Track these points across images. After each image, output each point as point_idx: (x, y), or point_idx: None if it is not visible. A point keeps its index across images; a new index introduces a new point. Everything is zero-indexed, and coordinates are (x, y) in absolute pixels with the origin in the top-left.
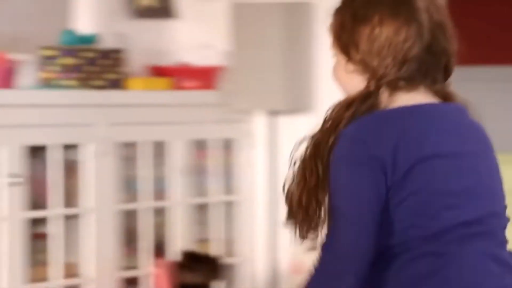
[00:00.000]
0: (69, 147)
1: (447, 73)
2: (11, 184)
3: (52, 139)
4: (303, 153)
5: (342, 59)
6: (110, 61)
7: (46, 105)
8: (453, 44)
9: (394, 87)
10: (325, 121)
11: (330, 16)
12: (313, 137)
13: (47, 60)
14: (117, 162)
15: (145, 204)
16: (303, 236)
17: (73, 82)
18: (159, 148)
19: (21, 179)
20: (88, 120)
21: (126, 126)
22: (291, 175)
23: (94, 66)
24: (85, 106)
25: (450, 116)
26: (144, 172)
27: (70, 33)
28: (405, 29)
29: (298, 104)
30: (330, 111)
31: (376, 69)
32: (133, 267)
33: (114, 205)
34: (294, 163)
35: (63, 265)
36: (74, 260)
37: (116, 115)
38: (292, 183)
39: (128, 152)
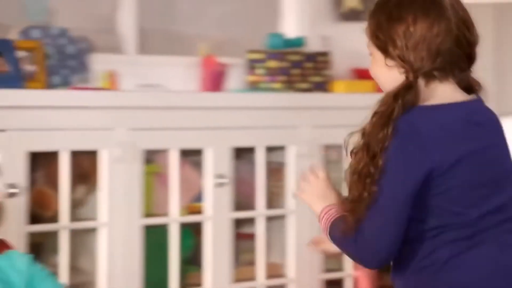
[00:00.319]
0: (274, 149)
1: (470, 62)
2: (218, 185)
3: (258, 141)
4: (356, 145)
5: (380, 56)
6: (316, 64)
7: (253, 108)
8: (476, 36)
9: (429, 77)
10: (374, 114)
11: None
12: (364, 130)
13: (254, 64)
14: (321, 165)
15: None
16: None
17: (278, 85)
18: None
19: (227, 180)
20: (293, 122)
21: (329, 129)
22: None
23: (300, 69)
24: (290, 109)
25: (479, 113)
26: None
27: (277, 36)
28: (436, 25)
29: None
30: (378, 104)
31: (413, 62)
32: (336, 270)
33: None
34: (351, 154)
35: (267, 265)
36: (277, 261)
37: (320, 117)
38: (348, 176)
39: (332, 154)
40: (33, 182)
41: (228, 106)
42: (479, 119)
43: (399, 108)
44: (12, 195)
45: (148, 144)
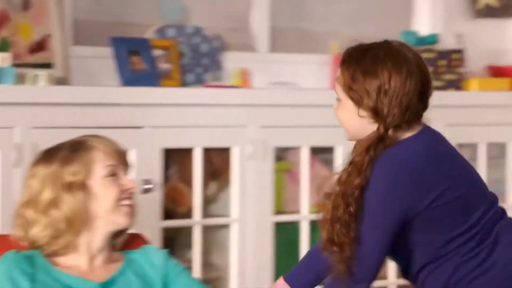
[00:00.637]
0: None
1: (425, 110)
2: None
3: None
4: (332, 191)
5: (351, 106)
6: (449, 61)
7: None
8: (432, 88)
9: (397, 128)
10: (349, 163)
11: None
12: (340, 178)
13: None
14: None
15: None
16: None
17: None
18: (499, 150)
19: None
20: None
21: (463, 127)
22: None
23: (433, 66)
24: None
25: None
26: (483, 174)
27: (410, 34)
28: (408, 82)
29: None
30: (351, 154)
31: (385, 116)
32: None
33: None
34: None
35: None
36: None
37: (453, 116)
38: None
39: (464, 153)
40: (167, 178)
41: None
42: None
43: (368, 161)
44: (147, 190)
45: (279, 142)
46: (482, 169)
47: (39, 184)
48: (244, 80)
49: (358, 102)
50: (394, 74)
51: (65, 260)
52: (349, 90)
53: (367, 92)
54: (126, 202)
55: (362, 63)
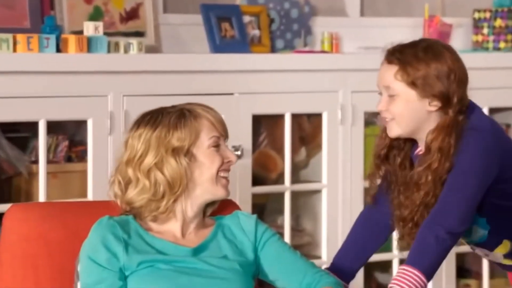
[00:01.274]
0: (500, 110)
1: None
2: None
3: (483, 102)
4: (423, 179)
5: (414, 96)
6: None
7: (478, 68)
8: None
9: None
10: (436, 151)
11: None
12: (429, 165)
13: (480, 23)
14: None
15: None
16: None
17: (505, 44)
18: None
19: None
20: None
21: None
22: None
23: None
24: None
25: None
26: None
27: None
28: (464, 66)
29: None
30: (433, 142)
31: (457, 100)
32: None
33: None
34: (418, 187)
35: None
36: None
37: None
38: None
39: None
40: (257, 144)
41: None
42: None
43: (455, 142)
44: (238, 157)
45: (370, 106)
46: None
47: (144, 146)
48: (334, 45)
49: (427, 91)
50: (455, 59)
51: (158, 226)
52: (415, 81)
53: (437, 78)
54: (226, 174)
55: (421, 55)
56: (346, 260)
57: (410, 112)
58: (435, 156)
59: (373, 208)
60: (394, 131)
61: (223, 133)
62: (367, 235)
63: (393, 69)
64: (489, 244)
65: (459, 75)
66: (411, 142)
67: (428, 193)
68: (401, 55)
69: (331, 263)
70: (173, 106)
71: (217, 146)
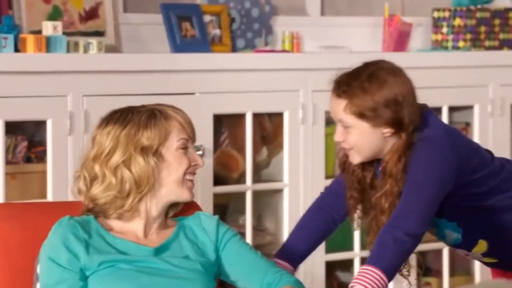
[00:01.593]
0: (459, 109)
1: None
2: None
3: (443, 100)
4: (382, 205)
5: (366, 127)
6: (504, 20)
7: (438, 67)
8: None
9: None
10: (389, 176)
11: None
12: (385, 191)
13: (439, 22)
14: (509, 124)
15: None
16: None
17: (464, 43)
18: None
19: None
20: (480, 81)
21: None
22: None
23: (487, 26)
24: (477, 67)
25: None
26: None
27: None
28: (412, 86)
29: None
30: (388, 165)
31: (408, 123)
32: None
33: None
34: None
35: None
36: None
37: (508, 75)
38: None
39: None
40: (218, 144)
41: (412, 66)
42: None
43: (403, 166)
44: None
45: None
46: None
47: (112, 143)
48: (295, 44)
49: (377, 121)
50: (400, 82)
51: (121, 225)
52: (363, 113)
53: (384, 107)
54: (191, 177)
55: (367, 86)
56: (297, 245)
57: (367, 141)
58: (388, 180)
59: (327, 198)
60: (355, 159)
61: (192, 136)
62: (318, 223)
63: (342, 103)
64: (466, 245)
65: (407, 98)
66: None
67: (384, 213)
68: (347, 88)
69: (282, 247)
70: (143, 106)
71: (185, 148)
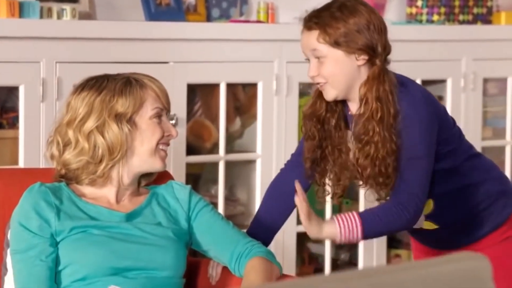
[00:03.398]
0: (432, 82)
1: None
2: None
3: (417, 73)
4: (370, 132)
5: (341, 55)
6: None
7: (412, 40)
8: None
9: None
10: (374, 101)
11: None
12: (372, 115)
13: None
14: (481, 98)
15: (510, 141)
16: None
17: (438, 17)
18: None
19: None
20: (453, 55)
21: (491, 62)
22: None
23: (461, 0)
24: (450, 41)
25: None
26: (509, 108)
27: None
28: (381, 17)
29: None
30: (368, 93)
31: (382, 48)
32: None
33: (477, 141)
34: (365, 145)
35: None
36: None
37: (482, 50)
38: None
39: (494, 87)
40: (192, 114)
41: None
42: None
43: (389, 87)
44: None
45: (304, 77)
46: (509, 104)
47: (87, 108)
48: (270, 15)
49: (351, 47)
50: (370, 10)
51: (93, 191)
52: (337, 39)
53: (358, 32)
54: (165, 147)
55: (338, 14)
56: (259, 231)
57: (341, 71)
58: (374, 105)
59: (284, 175)
60: (330, 93)
61: (167, 106)
62: (276, 207)
63: (314, 34)
64: None
65: (378, 25)
66: (342, 103)
67: (385, 143)
68: (318, 19)
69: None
70: (118, 74)
71: (159, 117)
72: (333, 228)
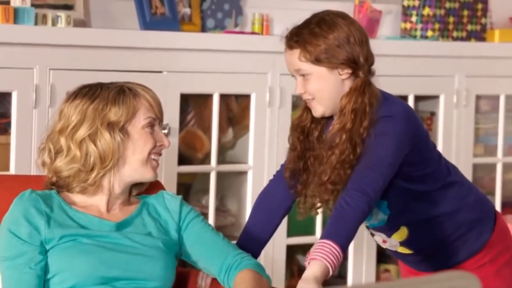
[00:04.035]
0: (425, 98)
1: None
2: None
3: (409, 89)
4: (337, 139)
5: (324, 71)
6: (473, 11)
7: (405, 56)
8: None
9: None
10: (349, 113)
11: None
12: (343, 125)
13: (409, 10)
14: (473, 115)
15: (501, 159)
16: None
17: (432, 33)
18: None
19: None
20: (446, 72)
21: (485, 79)
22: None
23: (455, 16)
24: (444, 57)
25: None
26: (501, 125)
27: None
28: (362, 29)
29: None
30: (349, 104)
31: (363, 61)
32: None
33: (469, 158)
34: (331, 149)
35: None
36: None
37: (475, 67)
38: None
39: (486, 105)
40: (184, 123)
41: (381, 53)
42: None
43: (369, 101)
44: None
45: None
46: (501, 121)
47: (79, 116)
48: (265, 27)
49: (333, 62)
50: (349, 24)
51: (84, 200)
52: (318, 57)
53: (338, 47)
54: (156, 157)
55: (317, 30)
56: (248, 243)
57: (326, 87)
58: (348, 117)
59: (272, 186)
60: (318, 110)
61: (159, 116)
62: (264, 219)
63: (296, 53)
64: (388, 229)
65: (358, 36)
66: (327, 119)
67: (343, 151)
68: (298, 37)
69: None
70: (112, 83)
71: (151, 127)
72: (318, 266)
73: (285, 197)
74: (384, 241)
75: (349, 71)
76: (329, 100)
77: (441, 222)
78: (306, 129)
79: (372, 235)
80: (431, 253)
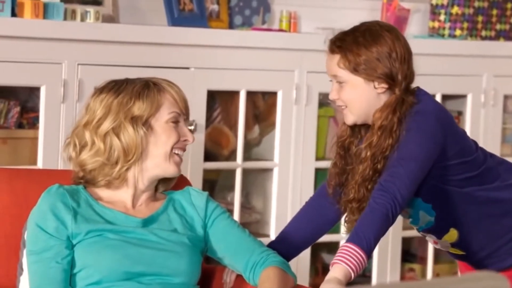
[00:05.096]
0: (452, 97)
1: None
2: None
3: (437, 88)
4: (363, 154)
5: (361, 82)
6: (502, 11)
7: (433, 54)
8: None
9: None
10: (377, 128)
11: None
12: (370, 142)
13: (437, 9)
14: (501, 114)
15: None
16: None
17: (461, 32)
18: None
19: None
20: (474, 71)
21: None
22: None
23: (484, 16)
24: (472, 56)
25: None
26: None
27: None
28: (407, 44)
29: None
30: (379, 120)
31: (401, 78)
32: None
33: None
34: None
35: None
36: None
37: (503, 66)
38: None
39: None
40: (211, 120)
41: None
42: None
43: (398, 119)
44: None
45: (325, 87)
46: None
47: (104, 110)
48: (292, 24)
49: (370, 74)
50: (395, 39)
51: (110, 194)
52: (357, 66)
53: (378, 61)
54: (180, 152)
55: (361, 40)
56: (282, 247)
57: (360, 97)
58: (376, 133)
59: (322, 197)
60: (349, 118)
61: (184, 112)
62: (309, 227)
63: (336, 58)
64: (437, 231)
65: (400, 53)
66: (365, 132)
67: (366, 168)
68: (341, 43)
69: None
70: (138, 78)
71: (176, 122)
72: (341, 271)
73: (332, 211)
74: (436, 242)
75: (386, 86)
76: (361, 110)
77: (491, 225)
78: (345, 143)
79: (424, 236)
80: (483, 254)
